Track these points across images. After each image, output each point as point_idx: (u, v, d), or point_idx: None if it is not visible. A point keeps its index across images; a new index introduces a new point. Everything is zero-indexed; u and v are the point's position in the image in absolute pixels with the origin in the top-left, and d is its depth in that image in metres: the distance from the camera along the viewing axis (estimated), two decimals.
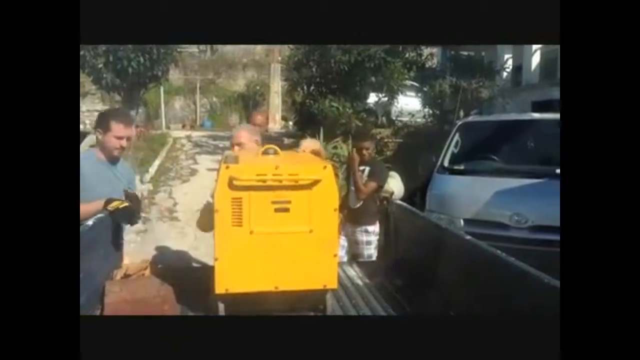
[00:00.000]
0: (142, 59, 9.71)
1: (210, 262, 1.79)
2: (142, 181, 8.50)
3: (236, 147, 2.69)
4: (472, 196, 4.17)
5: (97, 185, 2.25)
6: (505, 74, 11.20)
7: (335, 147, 6.89)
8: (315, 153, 2.72)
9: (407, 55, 9.45)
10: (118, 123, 2.39)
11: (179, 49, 10.74)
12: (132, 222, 2.24)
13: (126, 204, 2.12)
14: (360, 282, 2.21)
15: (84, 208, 1.99)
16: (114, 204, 2.10)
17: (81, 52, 9.44)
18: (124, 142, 2.41)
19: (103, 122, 2.39)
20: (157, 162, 9.95)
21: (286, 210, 1.71)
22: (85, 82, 12.64)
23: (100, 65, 9.57)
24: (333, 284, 1.79)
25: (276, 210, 1.71)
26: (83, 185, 2.02)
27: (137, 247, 2.03)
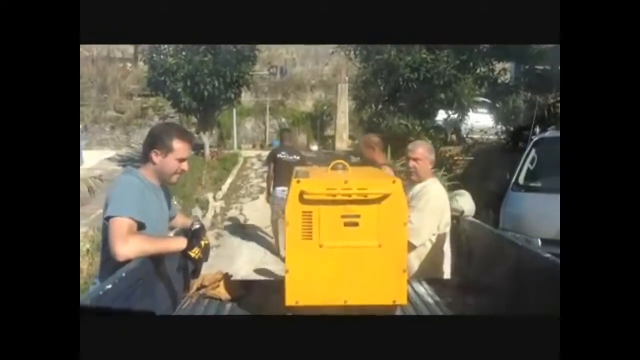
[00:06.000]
0: (217, 83, 10.24)
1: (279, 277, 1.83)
2: (215, 199, 8.87)
3: (412, 162, 2.74)
4: (550, 215, 3.94)
5: (150, 216, 1.90)
6: None
7: (403, 165, 6.81)
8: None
9: (478, 71, 9.23)
10: (182, 143, 1.97)
11: (250, 73, 11.21)
12: (196, 275, 2.04)
13: (200, 255, 1.87)
14: (430, 300, 2.16)
15: (162, 244, 1.85)
16: (195, 252, 1.85)
17: (162, 78, 10.14)
18: (185, 166, 2.01)
19: (164, 141, 1.95)
20: (229, 181, 10.35)
21: (355, 224, 1.72)
22: (165, 106, 13.52)
23: (179, 90, 10.18)
24: (403, 300, 1.76)
25: (346, 224, 1.72)
26: (138, 213, 1.81)
27: (212, 261, 2.06)
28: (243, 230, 7.27)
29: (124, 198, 1.83)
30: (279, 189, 5.78)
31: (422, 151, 2.78)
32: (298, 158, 6.16)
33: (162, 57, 10.18)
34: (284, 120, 16.14)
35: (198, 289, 2.16)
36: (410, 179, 2.78)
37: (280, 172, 5.89)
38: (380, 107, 9.38)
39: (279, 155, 6.06)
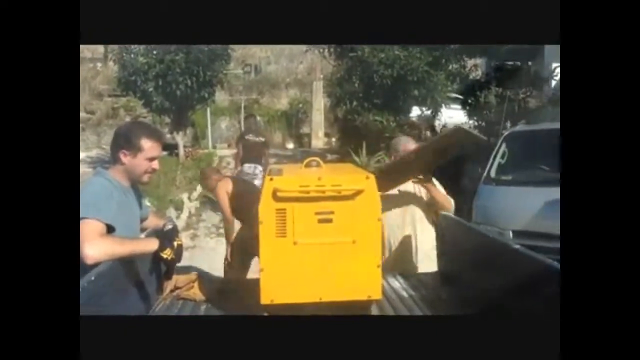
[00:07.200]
0: (189, 82, 10.09)
1: (254, 276, 1.83)
2: (190, 199, 8.76)
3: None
4: (520, 207, 4.04)
5: (119, 217, 1.85)
6: (554, 82, 10.86)
7: (378, 161, 6.87)
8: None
9: (450, 68, 9.35)
10: (151, 141, 1.93)
11: (224, 71, 11.09)
12: (168, 276, 1.99)
13: (173, 256, 1.84)
14: (405, 294, 2.18)
15: (132, 246, 1.79)
16: (167, 253, 1.82)
17: (132, 77, 9.96)
18: (156, 164, 1.97)
19: (132, 141, 1.91)
20: None
21: (329, 221, 1.72)
22: (137, 106, 13.28)
23: (151, 89, 10.01)
24: (377, 295, 1.77)
25: (319, 221, 1.72)
26: (106, 216, 1.77)
27: (186, 262, 2.02)
28: (218, 230, 7.21)
29: (91, 200, 1.79)
30: (247, 165, 6.97)
31: (411, 145, 2.88)
32: (263, 139, 7.43)
33: (132, 56, 9.99)
34: (259, 118, 16.05)
35: (171, 291, 2.13)
36: None
37: (247, 152, 7.06)
38: (354, 103, 9.39)
39: (247, 137, 7.19)
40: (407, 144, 2.90)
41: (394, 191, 2.79)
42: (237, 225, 4.08)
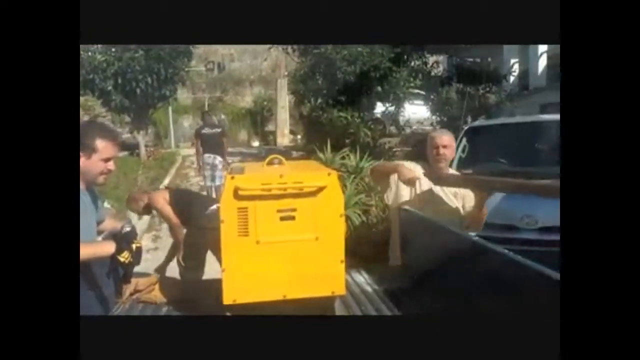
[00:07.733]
0: (150, 80, 9.89)
1: (217, 277, 1.81)
2: None
3: (442, 149, 2.66)
4: None
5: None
6: (512, 78, 11.20)
7: (343, 158, 6.89)
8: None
9: (412, 64, 9.49)
10: (105, 141, 1.87)
11: (186, 69, 10.91)
12: (127, 280, 1.90)
13: (131, 259, 1.77)
14: (369, 289, 2.20)
15: (87, 250, 1.70)
16: (125, 256, 1.75)
17: (89, 76, 9.66)
18: (111, 165, 1.90)
19: (85, 141, 1.82)
20: (167, 180, 10.02)
21: (292, 218, 1.72)
22: (95, 105, 12.89)
23: (110, 88, 9.75)
24: (341, 290, 1.78)
25: (282, 218, 1.71)
26: None
27: (147, 264, 1.96)
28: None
29: None
30: (206, 155, 7.55)
31: (448, 138, 2.75)
32: (219, 130, 7.93)
33: (89, 53, 9.70)
34: (223, 116, 15.86)
35: (132, 294, 2.08)
36: (437, 165, 2.71)
37: (205, 144, 7.59)
38: (319, 100, 9.41)
39: (203, 132, 7.67)
40: (443, 136, 2.73)
41: (444, 194, 2.72)
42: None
